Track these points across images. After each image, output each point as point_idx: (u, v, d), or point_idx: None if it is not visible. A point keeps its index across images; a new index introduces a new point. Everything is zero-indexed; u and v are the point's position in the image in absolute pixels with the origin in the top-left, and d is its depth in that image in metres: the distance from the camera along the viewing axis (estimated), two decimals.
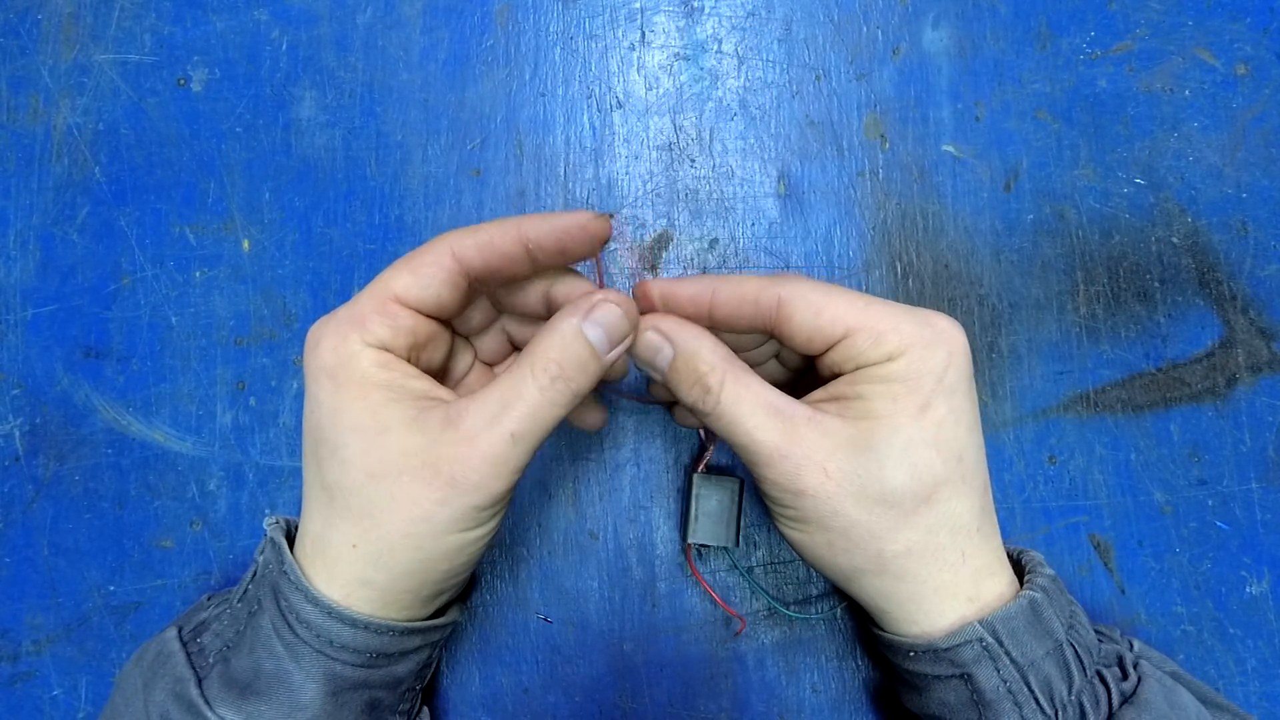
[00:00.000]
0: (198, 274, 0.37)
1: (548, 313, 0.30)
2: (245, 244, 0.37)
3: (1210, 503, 0.35)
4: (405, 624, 0.28)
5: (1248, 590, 0.35)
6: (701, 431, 0.35)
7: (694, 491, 0.34)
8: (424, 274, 0.27)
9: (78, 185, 0.37)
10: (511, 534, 0.35)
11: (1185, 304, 0.36)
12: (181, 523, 0.35)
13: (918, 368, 0.26)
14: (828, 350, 0.27)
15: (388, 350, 0.27)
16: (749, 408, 0.27)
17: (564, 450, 0.36)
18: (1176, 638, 0.35)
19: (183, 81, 0.38)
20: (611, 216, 0.29)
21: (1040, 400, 0.36)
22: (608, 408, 0.34)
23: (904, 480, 0.26)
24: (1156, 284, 0.37)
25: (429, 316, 0.28)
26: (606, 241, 0.28)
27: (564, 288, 0.30)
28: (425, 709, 0.32)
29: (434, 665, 0.32)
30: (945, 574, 0.26)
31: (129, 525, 0.35)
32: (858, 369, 0.27)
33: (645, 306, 0.30)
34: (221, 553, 0.35)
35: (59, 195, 0.37)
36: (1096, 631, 0.29)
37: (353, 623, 0.26)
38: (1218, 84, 0.37)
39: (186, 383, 0.36)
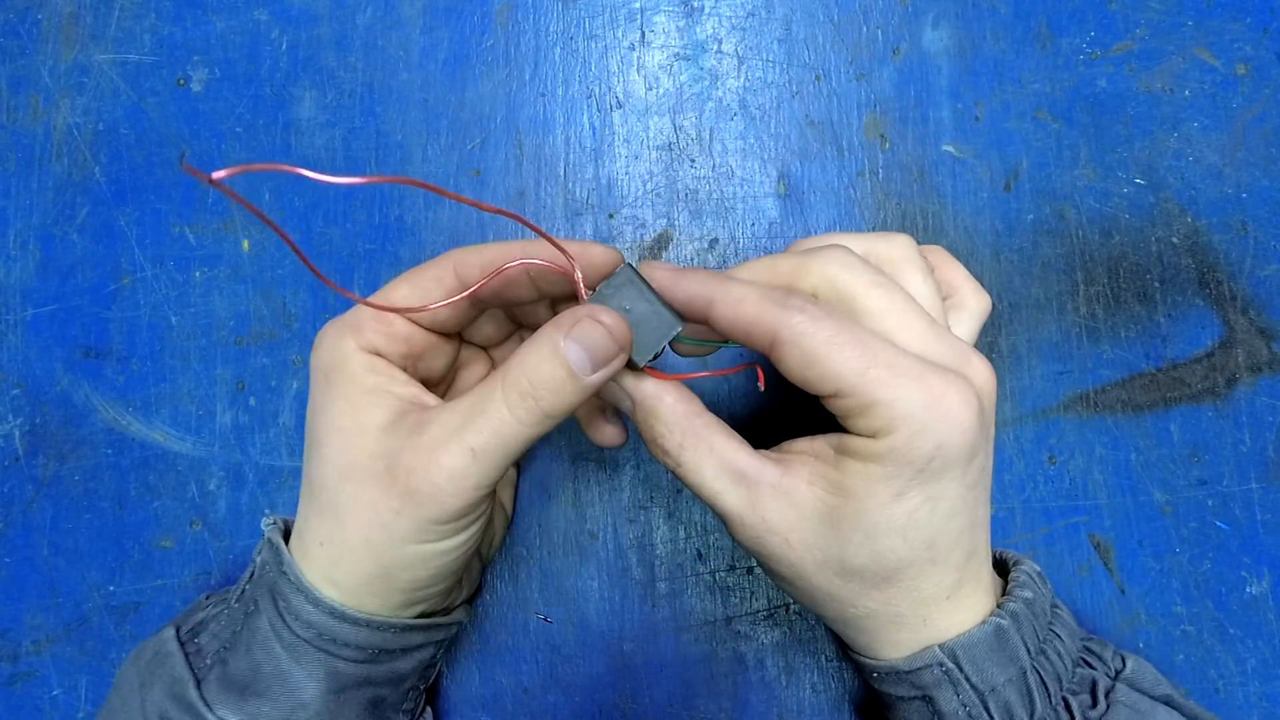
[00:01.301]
0: (198, 274, 0.37)
1: None
2: (245, 244, 0.37)
3: (1210, 503, 0.35)
4: (407, 621, 0.27)
5: (1248, 590, 0.35)
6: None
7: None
8: (422, 288, 0.27)
9: (78, 185, 0.37)
10: (511, 534, 0.35)
11: (1185, 304, 0.36)
12: (181, 523, 0.35)
13: (900, 452, 0.24)
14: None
15: (380, 355, 0.27)
16: (711, 472, 0.26)
17: (564, 450, 0.36)
18: (1176, 638, 0.35)
19: (183, 81, 0.38)
20: (618, 251, 0.27)
21: (1040, 400, 0.36)
22: (626, 427, 0.31)
23: (865, 563, 0.25)
24: (1156, 284, 0.36)
25: (427, 328, 0.28)
26: (610, 273, 0.26)
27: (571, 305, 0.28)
28: (429, 709, 0.32)
29: (438, 665, 0.32)
30: (905, 634, 0.27)
31: (129, 525, 0.35)
32: (844, 433, 0.26)
33: None
34: (221, 553, 0.35)
35: (59, 195, 0.37)
36: (1089, 649, 0.29)
37: (355, 621, 0.26)
38: (1218, 84, 0.37)
39: (186, 383, 0.36)
